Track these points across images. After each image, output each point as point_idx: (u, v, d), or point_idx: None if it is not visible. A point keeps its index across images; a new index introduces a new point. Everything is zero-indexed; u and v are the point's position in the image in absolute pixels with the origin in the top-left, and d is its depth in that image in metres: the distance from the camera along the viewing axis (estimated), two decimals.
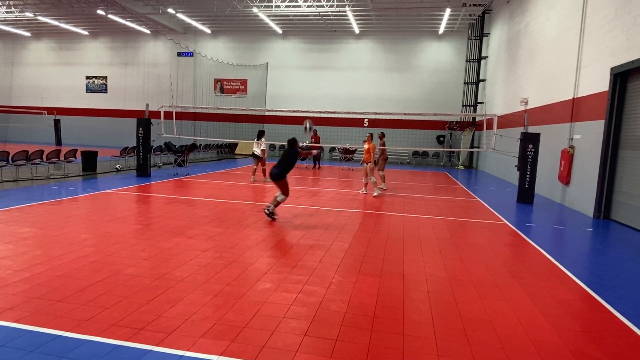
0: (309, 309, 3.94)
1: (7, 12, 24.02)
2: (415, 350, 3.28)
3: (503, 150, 13.00)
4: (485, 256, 6.06)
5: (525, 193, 11.01)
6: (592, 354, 3.32)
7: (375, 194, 11.31)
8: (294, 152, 8.05)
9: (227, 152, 25.18)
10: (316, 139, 18.04)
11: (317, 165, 18.94)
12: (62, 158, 13.08)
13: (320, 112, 23.08)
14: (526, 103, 14.77)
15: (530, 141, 10.90)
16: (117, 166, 14.74)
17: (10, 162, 11.43)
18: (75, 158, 13.63)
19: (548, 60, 13.05)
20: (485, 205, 10.56)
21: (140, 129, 13.18)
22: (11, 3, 23.25)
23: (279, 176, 7.90)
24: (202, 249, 5.79)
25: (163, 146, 15.74)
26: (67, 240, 5.98)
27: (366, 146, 11.29)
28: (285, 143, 8.26)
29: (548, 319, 3.93)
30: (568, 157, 10.67)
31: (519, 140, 11.15)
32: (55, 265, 4.85)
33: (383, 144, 15.88)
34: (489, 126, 12.34)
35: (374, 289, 4.52)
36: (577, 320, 3.97)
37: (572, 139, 10.77)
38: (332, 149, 25.71)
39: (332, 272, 5.03)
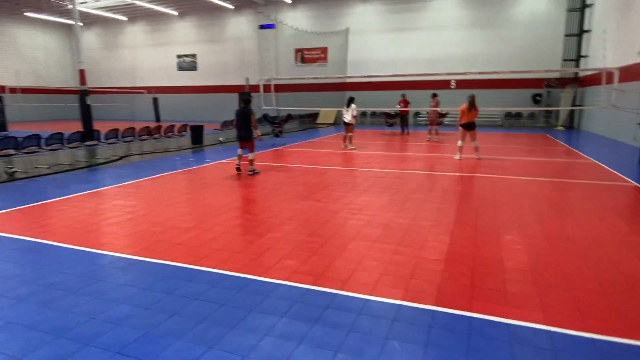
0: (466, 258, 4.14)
1: None
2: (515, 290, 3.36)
3: (621, 107, 11.88)
4: (627, 218, 5.80)
5: None
6: None
7: (477, 156, 11.12)
8: (249, 111, 9.13)
9: (309, 122, 25.73)
10: (405, 103, 17.75)
11: (406, 131, 18.74)
12: (176, 132, 14.35)
13: (404, 75, 22.63)
14: None
15: None
16: (220, 138, 15.82)
17: (137, 137, 12.79)
18: (186, 132, 14.88)
19: None
20: (605, 166, 9.86)
21: (242, 102, 13.93)
22: None
23: (248, 137, 9.14)
24: (334, 210, 6.20)
25: (262, 118, 16.56)
26: (218, 203, 6.72)
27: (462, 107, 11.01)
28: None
29: None
30: None
31: None
32: (218, 226, 5.53)
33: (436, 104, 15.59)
34: (604, 81, 11.31)
35: (492, 245, 4.60)
36: None
37: None
38: (417, 114, 25.14)
39: (471, 230, 5.16)
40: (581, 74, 20.86)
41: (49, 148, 9.94)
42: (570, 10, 21.05)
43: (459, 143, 11.29)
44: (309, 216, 5.89)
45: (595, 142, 15.20)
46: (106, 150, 12.37)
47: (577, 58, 20.68)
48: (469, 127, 11.07)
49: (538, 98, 22.68)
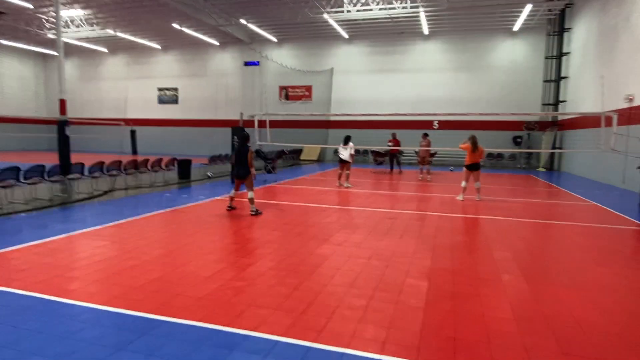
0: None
1: (90, 30, 25.53)
2: None
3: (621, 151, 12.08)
4: None
5: None
6: None
7: (477, 198, 10.94)
8: (247, 148, 8.63)
9: (292, 158, 25.40)
10: (396, 142, 17.73)
11: (397, 169, 18.63)
12: (163, 166, 13.60)
13: (389, 115, 22.81)
14: (631, 100, 13.78)
15: None
16: (208, 173, 15.14)
17: (123, 171, 11.97)
18: (174, 166, 14.15)
19: None
20: (609, 209, 9.82)
21: (236, 137, 13.44)
22: (94, 21, 24.72)
23: (245, 174, 8.59)
24: (362, 256, 5.66)
25: (254, 153, 16.04)
26: (231, 247, 6.06)
27: (464, 145, 10.92)
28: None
29: None
30: None
31: None
32: (245, 272, 4.89)
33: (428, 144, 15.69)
34: (603, 124, 11.55)
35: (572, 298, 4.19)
36: None
37: None
38: (400, 153, 25.18)
39: (520, 281, 4.75)
40: (560, 117, 21.63)
41: (28, 182, 9.04)
42: (547, 57, 22.07)
43: (463, 184, 11.10)
44: (339, 264, 5.32)
45: (583, 184, 15.44)
46: (88, 185, 11.45)
47: (556, 102, 21.49)
48: (473, 167, 10.92)
49: (518, 140, 23.28)
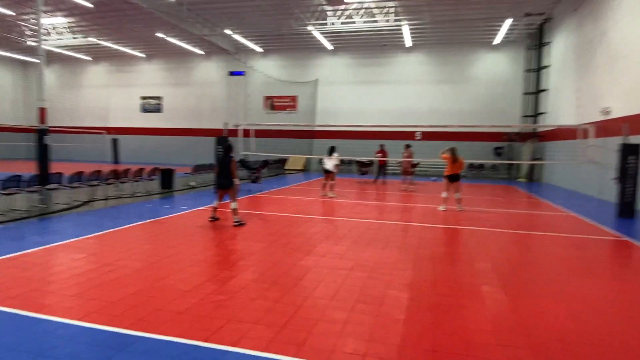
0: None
1: (73, 38, 25.22)
2: None
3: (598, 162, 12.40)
4: None
5: (627, 207, 10.42)
6: None
7: (459, 208, 11.06)
8: (229, 158, 8.59)
9: (277, 167, 25.35)
10: (383, 153, 17.88)
11: (381, 179, 18.74)
12: (145, 176, 13.43)
13: (371, 126, 23.04)
14: (607, 113, 14.19)
15: (631, 152, 10.37)
16: (192, 183, 15.01)
17: (104, 180, 11.77)
18: (155, 176, 13.97)
19: (635, 68, 12.51)
20: (587, 220, 10.04)
21: (220, 147, 13.39)
22: (77, 29, 24.43)
23: (228, 184, 8.54)
24: (345, 267, 5.67)
25: (238, 163, 15.97)
26: (212, 259, 6.00)
27: (445, 155, 11.11)
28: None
29: None
30: None
31: (618, 151, 10.64)
32: (228, 285, 4.85)
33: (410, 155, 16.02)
34: (583, 136, 11.85)
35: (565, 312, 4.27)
36: None
37: None
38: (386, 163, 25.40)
39: (501, 293, 4.81)
40: (540, 129, 22.13)
41: (5, 192, 8.82)
42: (527, 71, 22.62)
43: (444, 194, 11.23)
44: (321, 276, 5.32)
45: (562, 194, 15.78)
46: (68, 195, 11.21)
47: (536, 114, 22.00)
48: (454, 178, 11.10)
49: (499, 151, 23.71)
